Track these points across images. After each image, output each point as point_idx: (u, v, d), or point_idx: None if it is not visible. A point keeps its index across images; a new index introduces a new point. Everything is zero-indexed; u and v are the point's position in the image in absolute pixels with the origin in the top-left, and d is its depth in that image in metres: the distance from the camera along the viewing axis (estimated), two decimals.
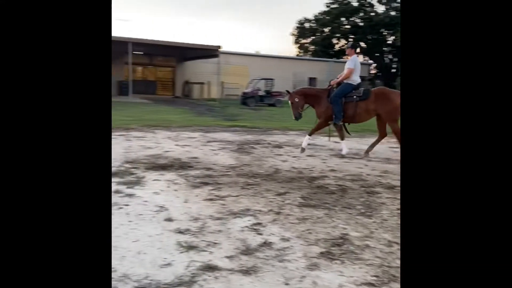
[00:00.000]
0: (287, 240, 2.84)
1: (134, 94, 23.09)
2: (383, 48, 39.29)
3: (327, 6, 40.03)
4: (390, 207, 3.71)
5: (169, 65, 30.36)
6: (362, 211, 3.58)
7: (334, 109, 6.25)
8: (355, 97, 6.22)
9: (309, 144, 6.83)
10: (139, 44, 23.57)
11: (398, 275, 2.26)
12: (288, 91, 6.95)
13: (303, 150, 6.48)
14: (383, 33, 38.53)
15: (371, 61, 38.65)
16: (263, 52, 35.07)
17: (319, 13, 41.05)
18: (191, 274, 2.28)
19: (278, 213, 3.45)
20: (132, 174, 4.63)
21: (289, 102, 6.69)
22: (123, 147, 6.52)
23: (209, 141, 7.52)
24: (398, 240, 2.78)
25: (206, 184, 4.33)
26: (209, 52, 24.95)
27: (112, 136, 7.47)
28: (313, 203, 3.75)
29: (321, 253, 2.64)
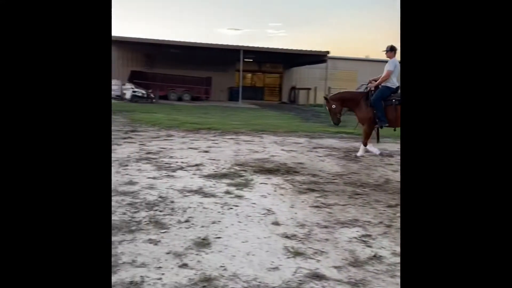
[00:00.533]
0: (399, 255, 2.67)
1: (243, 100, 24.10)
2: None
3: None
4: None
5: (276, 72, 31.05)
6: None
7: (377, 112, 6.19)
8: (394, 100, 6.12)
9: (367, 152, 6.60)
10: (249, 51, 24.54)
11: None
12: (325, 97, 6.87)
13: (358, 157, 6.42)
14: None
15: None
16: (373, 57, 33.96)
17: None
18: (299, 280, 2.27)
19: (389, 226, 3.27)
20: (241, 176, 4.81)
21: (327, 108, 6.68)
22: (233, 150, 6.82)
23: (314, 147, 7.47)
24: None
25: (312, 190, 4.30)
26: (317, 58, 24.90)
27: (223, 140, 7.89)
28: None
29: None
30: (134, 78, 23.79)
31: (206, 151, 6.55)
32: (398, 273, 2.39)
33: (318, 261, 2.55)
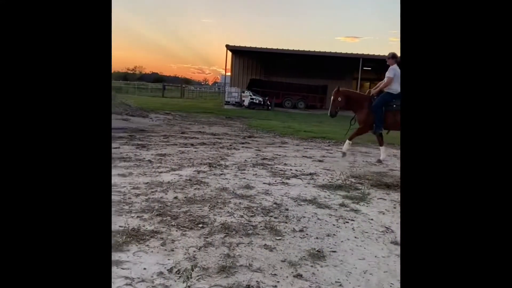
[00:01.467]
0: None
1: None
2: None
3: None
4: None
5: None
6: None
7: (376, 118, 6.34)
8: (394, 106, 6.29)
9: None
10: (368, 60, 23.78)
11: None
12: (338, 88, 6.78)
13: (344, 154, 6.68)
14: None
15: None
16: None
17: None
18: None
19: None
20: (357, 189, 4.63)
21: (332, 97, 6.67)
22: (349, 161, 6.63)
23: None
24: None
25: None
26: None
27: (338, 150, 7.70)
28: None
29: None
30: (253, 86, 24.84)
31: (321, 161, 6.48)
32: None
33: None
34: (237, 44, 24.87)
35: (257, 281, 2.27)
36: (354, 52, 23.16)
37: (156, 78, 73.61)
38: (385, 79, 6.49)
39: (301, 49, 25.05)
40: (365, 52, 23.52)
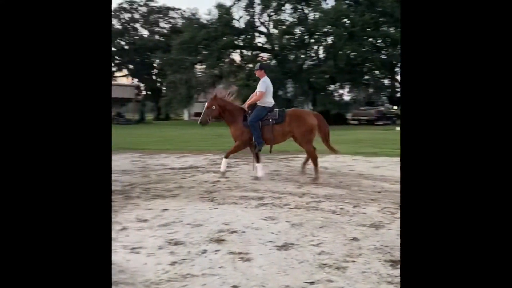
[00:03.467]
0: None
1: None
2: (150, 71, 41.44)
3: None
4: None
5: None
6: None
7: (254, 135, 6.00)
8: (271, 120, 6.03)
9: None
10: None
11: None
12: (215, 95, 6.41)
13: (223, 174, 6.16)
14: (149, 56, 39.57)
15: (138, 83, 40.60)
16: None
17: None
18: None
19: None
20: None
21: (206, 105, 6.24)
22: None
23: None
24: None
25: None
26: None
27: None
28: None
29: None
30: None
31: None
32: None
33: None
34: None
35: None
36: None
37: None
38: (256, 94, 6.13)
39: None
40: None
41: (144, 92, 42.82)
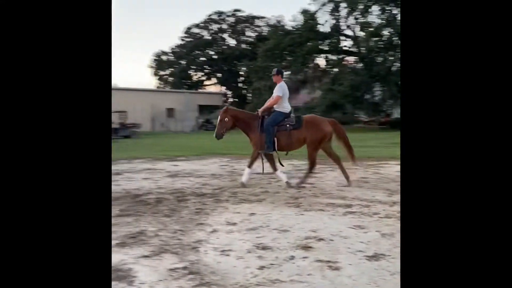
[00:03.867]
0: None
1: None
2: (237, 79, 43.89)
3: (182, 40, 44.04)
4: None
5: None
6: None
7: (266, 138, 5.90)
8: (288, 125, 5.92)
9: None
10: None
11: None
12: (227, 107, 6.46)
13: (243, 184, 5.98)
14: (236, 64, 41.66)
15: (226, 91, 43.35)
16: (121, 85, 35.30)
17: (175, 46, 44.45)
18: None
19: None
20: None
21: (219, 118, 6.19)
22: None
23: None
24: None
25: None
26: None
27: None
28: None
29: None
30: None
31: None
32: None
33: None
34: None
35: None
36: None
37: None
38: (273, 98, 6.06)
39: None
40: None
41: (231, 99, 44.44)
